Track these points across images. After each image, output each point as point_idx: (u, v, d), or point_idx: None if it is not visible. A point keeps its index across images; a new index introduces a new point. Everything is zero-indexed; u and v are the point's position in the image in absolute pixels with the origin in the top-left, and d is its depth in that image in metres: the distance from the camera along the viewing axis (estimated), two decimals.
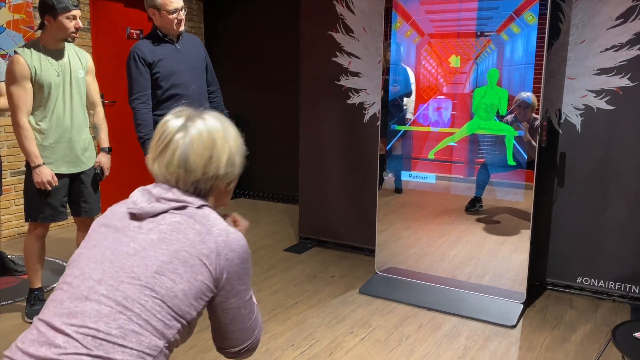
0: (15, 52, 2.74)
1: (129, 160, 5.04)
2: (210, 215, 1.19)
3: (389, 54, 3.47)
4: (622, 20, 3.07)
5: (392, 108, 3.52)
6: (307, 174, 4.30)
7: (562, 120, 3.31)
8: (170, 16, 3.00)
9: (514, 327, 2.98)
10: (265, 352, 2.69)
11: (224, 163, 1.21)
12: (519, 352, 2.74)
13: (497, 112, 3.18)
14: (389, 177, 3.62)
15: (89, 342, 0.99)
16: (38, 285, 3.02)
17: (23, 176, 2.97)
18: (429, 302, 3.25)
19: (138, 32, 5.24)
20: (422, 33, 3.35)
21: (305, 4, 4.11)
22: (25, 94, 2.74)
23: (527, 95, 3.08)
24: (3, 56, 4.15)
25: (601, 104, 3.18)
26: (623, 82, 3.11)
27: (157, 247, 1.11)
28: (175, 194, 1.19)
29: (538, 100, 3.07)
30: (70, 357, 0.98)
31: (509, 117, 3.14)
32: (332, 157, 4.12)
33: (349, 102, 3.98)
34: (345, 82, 3.97)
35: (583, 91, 3.22)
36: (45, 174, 2.79)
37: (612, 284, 3.28)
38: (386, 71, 3.49)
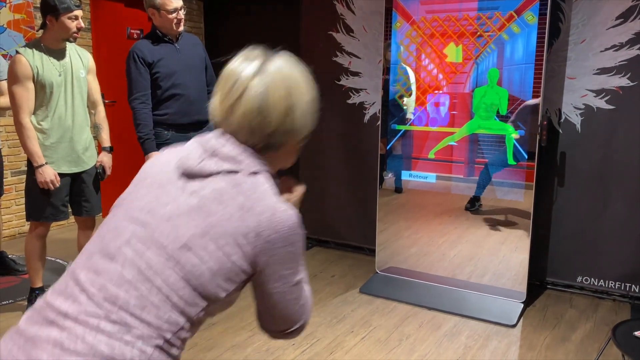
0: (17, 52, 2.75)
1: (130, 160, 5.05)
2: (261, 186, 1.03)
3: (389, 54, 3.48)
4: (622, 19, 3.07)
5: (392, 108, 3.52)
6: (307, 174, 4.30)
7: (562, 120, 3.31)
8: (170, 16, 3.00)
9: (514, 326, 2.98)
10: (266, 352, 2.69)
11: (302, 113, 1.08)
12: (520, 352, 2.74)
13: (498, 112, 3.19)
14: (389, 177, 3.62)
15: (107, 307, 0.95)
16: (39, 284, 3.02)
17: (24, 176, 2.98)
18: (430, 302, 3.25)
19: (138, 32, 5.24)
20: (422, 33, 3.35)
21: (306, 4, 4.12)
22: (27, 94, 2.74)
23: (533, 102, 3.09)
24: (4, 56, 4.16)
25: (601, 103, 3.19)
26: (623, 81, 3.11)
27: (193, 215, 1.00)
28: (234, 149, 1.04)
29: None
30: (88, 318, 0.95)
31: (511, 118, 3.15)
32: (333, 156, 4.13)
33: (349, 101, 3.98)
34: (346, 81, 3.98)
35: (583, 91, 3.23)
36: (49, 174, 2.80)
37: (612, 283, 3.29)
38: (386, 71, 3.50)
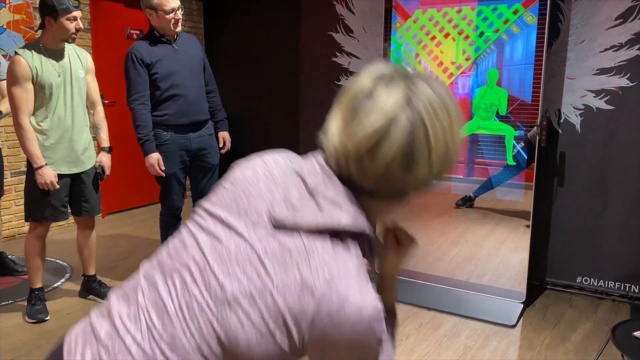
0: (16, 53, 2.75)
1: (130, 160, 5.05)
2: (342, 260, 0.80)
3: (389, 54, 3.48)
4: (621, 20, 3.07)
5: None
6: None
7: (561, 120, 3.31)
8: (167, 16, 2.99)
9: (514, 326, 2.98)
10: None
11: (448, 157, 0.85)
12: (519, 352, 2.74)
13: (497, 112, 3.19)
14: None
15: (145, 333, 0.85)
16: (38, 285, 3.02)
17: (23, 176, 2.98)
18: (429, 302, 3.25)
19: (138, 32, 5.24)
20: (421, 33, 3.35)
21: (305, 4, 4.12)
22: (26, 95, 2.74)
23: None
24: (4, 56, 4.16)
25: (601, 103, 3.19)
26: (622, 82, 3.11)
27: (249, 268, 0.82)
28: (336, 190, 0.83)
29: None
30: (125, 337, 0.86)
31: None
32: None
33: None
34: (345, 82, 3.98)
35: (583, 91, 3.23)
36: (48, 175, 2.80)
37: (611, 283, 3.29)
38: None
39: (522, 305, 3.15)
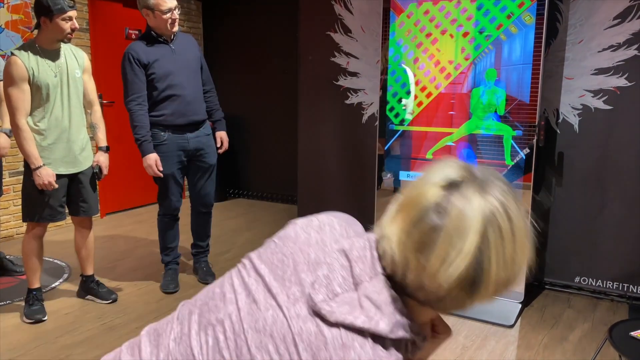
0: (12, 54, 2.74)
1: (128, 160, 5.05)
2: None
3: (388, 54, 3.47)
4: (619, 20, 3.07)
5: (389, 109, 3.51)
6: (305, 174, 4.30)
7: (559, 120, 3.31)
8: (164, 16, 2.99)
9: (512, 326, 2.98)
10: None
11: (512, 278, 0.78)
12: (517, 352, 2.74)
13: (495, 112, 3.18)
14: (388, 177, 3.62)
15: None
16: (36, 285, 3.02)
17: (22, 177, 2.98)
18: None
19: (137, 32, 5.22)
20: (420, 33, 3.34)
21: (304, 4, 4.12)
22: (23, 96, 2.74)
23: None
24: (2, 56, 4.16)
25: (599, 103, 3.18)
26: (621, 82, 3.11)
27: (282, 347, 0.79)
28: (380, 291, 0.79)
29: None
30: None
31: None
32: (331, 157, 4.13)
33: (348, 102, 3.98)
34: (344, 82, 3.97)
35: (581, 91, 3.22)
36: (47, 175, 2.79)
37: (610, 283, 3.28)
38: (384, 71, 3.49)
39: (520, 305, 3.14)
